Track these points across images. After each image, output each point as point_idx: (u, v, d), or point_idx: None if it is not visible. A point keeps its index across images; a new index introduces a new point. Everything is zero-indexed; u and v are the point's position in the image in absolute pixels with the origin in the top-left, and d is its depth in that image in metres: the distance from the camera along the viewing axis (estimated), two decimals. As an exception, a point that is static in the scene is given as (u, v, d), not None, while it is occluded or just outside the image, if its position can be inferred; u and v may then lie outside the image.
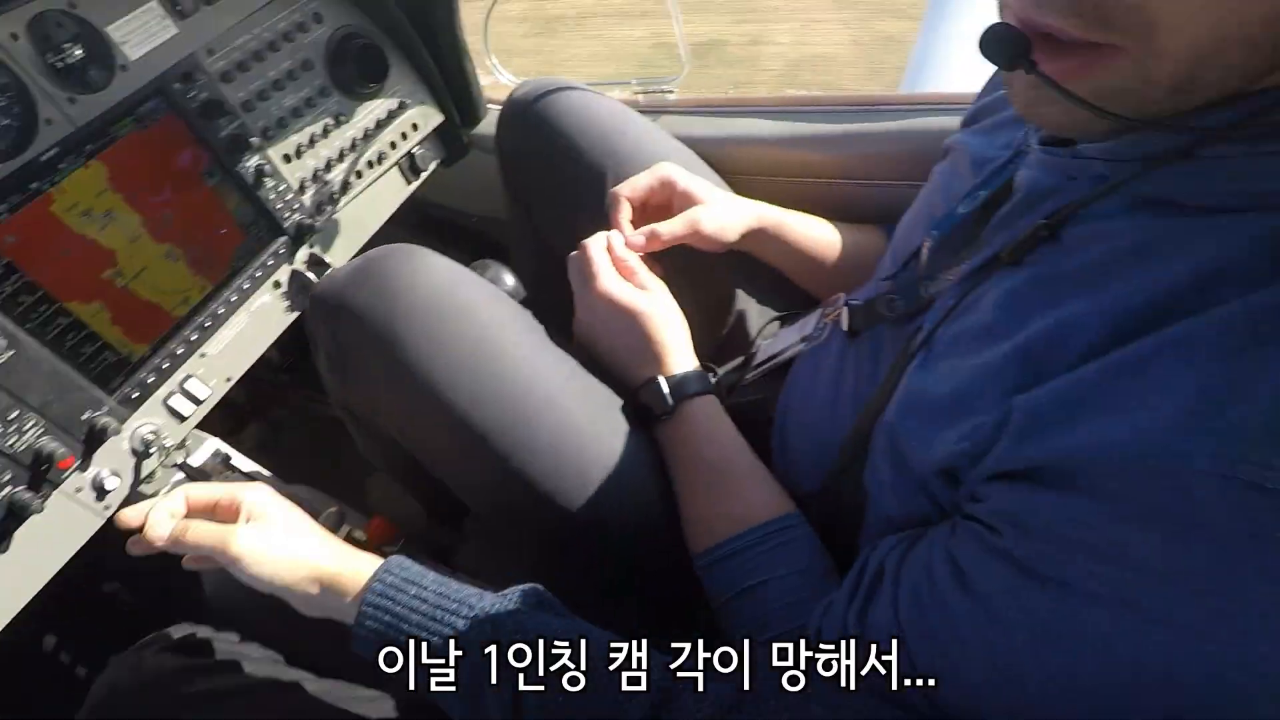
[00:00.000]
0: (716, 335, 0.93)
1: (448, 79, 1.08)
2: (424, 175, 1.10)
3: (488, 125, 1.17)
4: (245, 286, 0.87)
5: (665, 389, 0.70)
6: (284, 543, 0.56)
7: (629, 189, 0.78)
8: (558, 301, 0.79)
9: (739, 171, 0.99)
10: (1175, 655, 0.36)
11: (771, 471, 0.69)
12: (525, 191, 0.96)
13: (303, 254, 0.94)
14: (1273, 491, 0.32)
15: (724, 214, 0.79)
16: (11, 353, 0.66)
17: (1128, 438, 0.36)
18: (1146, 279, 0.40)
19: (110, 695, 0.68)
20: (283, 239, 0.90)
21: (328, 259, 0.95)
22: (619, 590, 0.72)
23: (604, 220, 0.79)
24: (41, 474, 0.70)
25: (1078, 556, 0.38)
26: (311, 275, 0.93)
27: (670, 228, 0.76)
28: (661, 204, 0.80)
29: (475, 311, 0.70)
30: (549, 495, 0.67)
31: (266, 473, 0.91)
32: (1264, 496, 0.32)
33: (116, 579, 1.14)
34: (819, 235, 0.84)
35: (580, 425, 0.69)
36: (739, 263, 0.88)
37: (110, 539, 0.75)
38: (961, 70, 1.34)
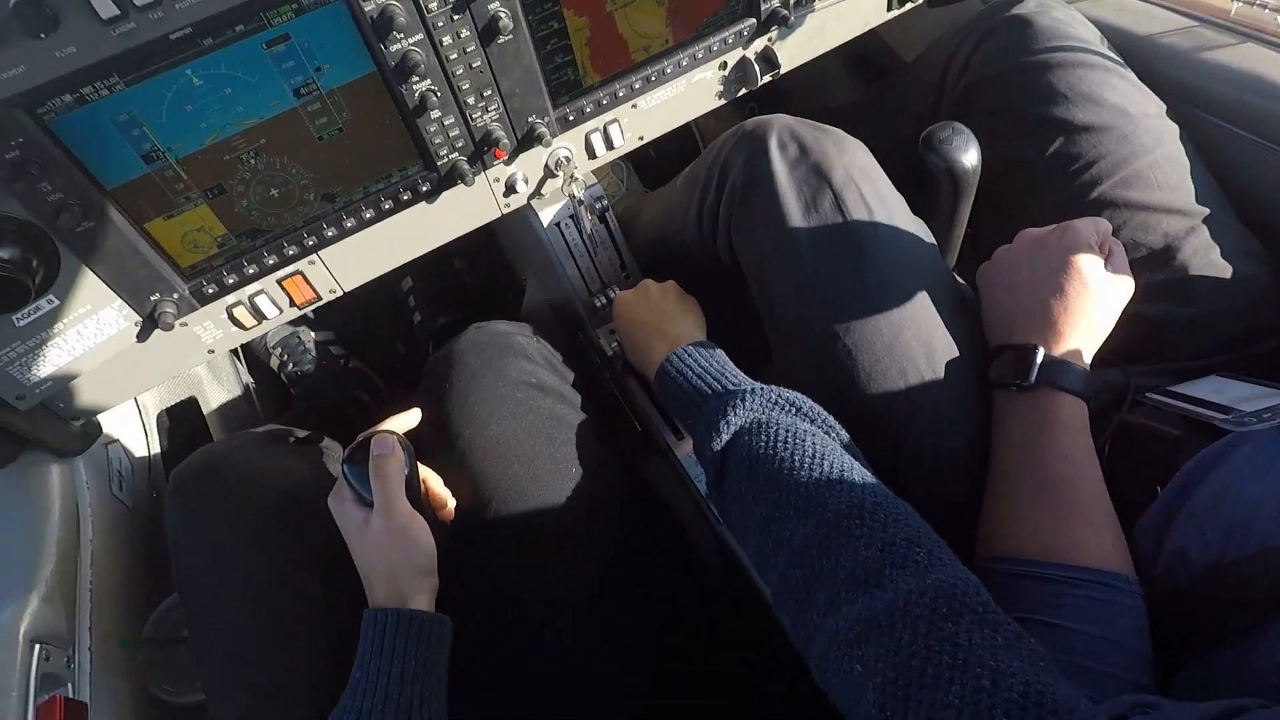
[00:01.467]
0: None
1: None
2: (908, 6, 0.96)
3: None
4: (698, 55, 0.83)
5: (1037, 362, 0.62)
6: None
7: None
8: None
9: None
10: None
11: (1167, 536, 0.58)
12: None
13: (759, 44, 0.88)
14: None
15: None
16: (510, 36, 0.69)
17: None
18: None
19: (469, 348, 0.78)
20: (750, 21, 0.84)
21: (780, 58, 0.88)
22: None
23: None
24: (481, 153, 0.76)
25: None
26: (758, 68, 0.87)
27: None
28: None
29: None
30: None
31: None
32: None
33: (466, 259, 1.30)
34: None
35: None
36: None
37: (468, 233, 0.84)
38: None
